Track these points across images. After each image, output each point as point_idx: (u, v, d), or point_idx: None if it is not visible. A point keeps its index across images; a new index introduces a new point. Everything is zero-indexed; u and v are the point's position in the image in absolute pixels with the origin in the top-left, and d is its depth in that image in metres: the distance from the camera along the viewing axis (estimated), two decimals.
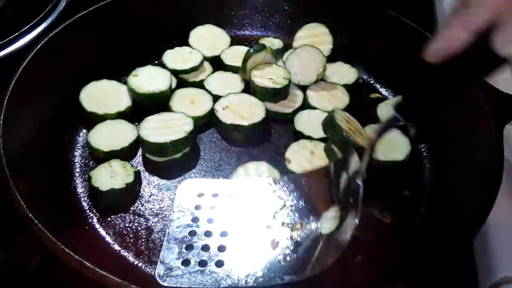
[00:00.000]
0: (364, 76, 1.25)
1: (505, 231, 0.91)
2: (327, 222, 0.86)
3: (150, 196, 0.97)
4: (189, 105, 1.09)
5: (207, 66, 1.20)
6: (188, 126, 1.00)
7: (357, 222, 0.78)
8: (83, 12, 1.12)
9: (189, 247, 0.83)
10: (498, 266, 0.87)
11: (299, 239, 0.85)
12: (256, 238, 0.85)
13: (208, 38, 1.25)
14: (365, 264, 0.87)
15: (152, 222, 0.92)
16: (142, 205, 0.95)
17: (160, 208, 0.95)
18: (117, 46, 1.18)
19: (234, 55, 1.21)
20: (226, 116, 1.06)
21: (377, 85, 1.23)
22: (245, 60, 1.13)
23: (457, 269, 0.91)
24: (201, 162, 1.04)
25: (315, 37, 1.22)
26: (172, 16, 1.25)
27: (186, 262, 0.81)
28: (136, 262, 0.87)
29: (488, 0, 0.61)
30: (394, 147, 1.01)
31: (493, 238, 0.91)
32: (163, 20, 1.24)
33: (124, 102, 1.09)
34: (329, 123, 0.99)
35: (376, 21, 1.20)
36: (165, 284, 0.78)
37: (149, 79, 1.10)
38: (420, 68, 0.71)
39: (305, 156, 1.00)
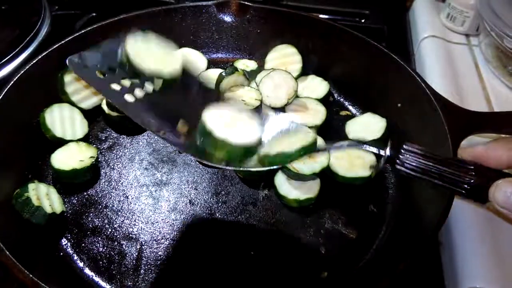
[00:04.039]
0: (335, 94, 1.28)
1: (472, 242, 0.93)
2: None
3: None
4: None
5: None
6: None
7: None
8: (62, 42, 1.14)
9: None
10: (465, 276, 0.89)
11: None
12: None
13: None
14: (331, 280, 0.90)
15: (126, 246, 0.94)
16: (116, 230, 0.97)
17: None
18: None
19: (209, 78, 1.24)
20: None
21: (346, 102, 1.26)
22: (218, 83, 1.16)
23: (425, 280, 0.93)
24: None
25: (284, 57, 1.25)
26: None
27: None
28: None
29: None
30: (361, 163, 1.04)
31: (460, 249, 0.93)
32: None
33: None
34: None
35: (344, 41, 1.23)
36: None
37: None
38: None
39: None
